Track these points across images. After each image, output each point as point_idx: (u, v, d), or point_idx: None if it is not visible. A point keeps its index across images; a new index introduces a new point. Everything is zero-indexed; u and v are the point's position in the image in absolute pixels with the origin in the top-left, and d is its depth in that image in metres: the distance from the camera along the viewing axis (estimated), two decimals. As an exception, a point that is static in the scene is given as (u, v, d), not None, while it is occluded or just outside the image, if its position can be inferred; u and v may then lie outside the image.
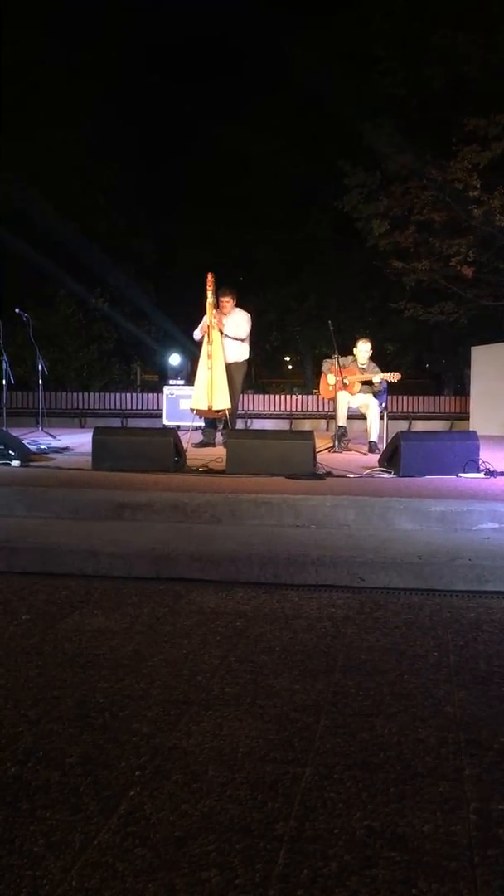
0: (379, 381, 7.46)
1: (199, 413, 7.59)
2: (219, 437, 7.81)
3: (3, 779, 1.67)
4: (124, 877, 1.34)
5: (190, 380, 10.35)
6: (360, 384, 7.59)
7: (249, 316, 7.72)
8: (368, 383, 7.58)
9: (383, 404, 7.77)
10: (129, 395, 16.35)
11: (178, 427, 8.10)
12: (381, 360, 8.21)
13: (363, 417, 7.74)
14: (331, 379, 7.69)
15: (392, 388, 8.73)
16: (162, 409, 12.15)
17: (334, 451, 7.22)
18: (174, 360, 13.16)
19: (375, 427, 7.42)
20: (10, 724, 1.94)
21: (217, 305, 7.44)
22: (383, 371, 7.65)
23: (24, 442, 6.68)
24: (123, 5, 18.73)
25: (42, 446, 7.41)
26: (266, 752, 1.80)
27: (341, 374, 7.56)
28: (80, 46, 18.40)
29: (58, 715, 2.00)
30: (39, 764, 1.74)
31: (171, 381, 12.50)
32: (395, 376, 7.43)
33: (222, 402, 7.28)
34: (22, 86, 17.42)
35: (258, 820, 1.52)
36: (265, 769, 1.72)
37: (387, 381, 7.51)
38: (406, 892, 1.30)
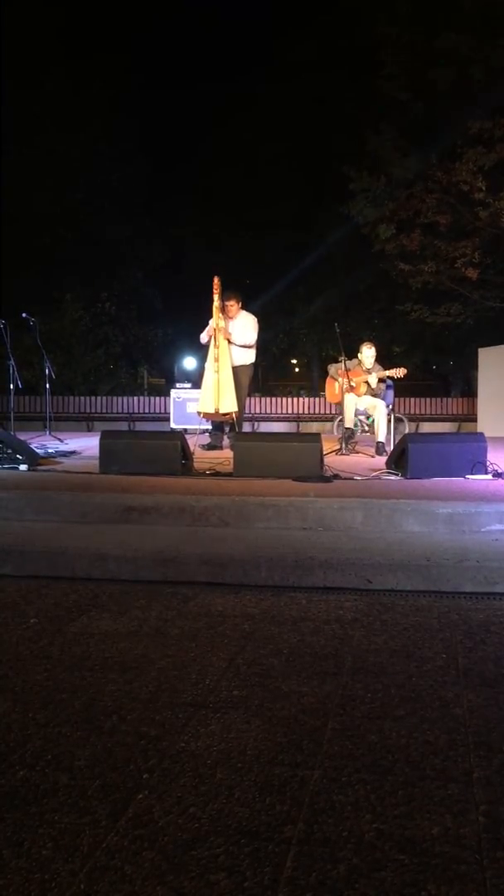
0: (385, 377, 7.45)
1: (206, 416, 7.60)
2: (226, 440, 7.82)
3: (11, 782, 1.67)
4: (132, 880, 1.34)
5: (198, 383, 10.38)
6: (367, 385, 7.59)
7: (256, 320, 7.72)
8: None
9: (390, 405, 7.76)
10: (136, 398, 16.38)
11: (186, 430, 8.10)
12: (387, 362, 8.19)
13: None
14: (341, 369, 7.66)
15: (399, 390, 8.72)
16: (169, 413, 12.18)
17: (341, 454, 7.21)
18: (190, 364, 13.04)
19: (383, 428, 7.40)
20: (19, 727, 1.95)
21: (223, 309, 7.46)
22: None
23: (32, 446, 6.69)
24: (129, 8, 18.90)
25: (50, 450, 7.43)
26: (274, 755, 1.79)
27: (348, 377, 7.55)
28: (83, 49, 18.53)
29: (66, 718, 2.00)
30: (48, 767, 1.74)
31: (177, 385, 12.52)
32: (400, 371, 7.41)
33: (229, 405, 7.29)
34: (28, 90, 17.54)
35: (266, 823, 1.52)
36: (273, 772, 1.71)
37: (393, 378, 7.50)
38: (415, 895, 1.30)
